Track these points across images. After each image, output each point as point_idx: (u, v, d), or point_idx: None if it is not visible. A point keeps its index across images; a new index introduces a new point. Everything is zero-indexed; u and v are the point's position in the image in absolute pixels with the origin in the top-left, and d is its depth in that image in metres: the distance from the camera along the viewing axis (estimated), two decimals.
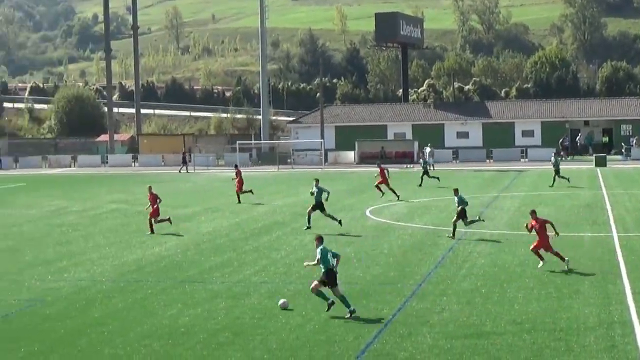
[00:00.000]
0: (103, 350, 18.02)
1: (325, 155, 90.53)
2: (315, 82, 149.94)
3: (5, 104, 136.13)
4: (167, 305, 22.03)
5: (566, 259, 25.41)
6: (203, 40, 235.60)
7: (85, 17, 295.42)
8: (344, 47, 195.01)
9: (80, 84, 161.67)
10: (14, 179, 74.41)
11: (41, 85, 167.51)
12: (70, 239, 34.88)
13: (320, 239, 20.91)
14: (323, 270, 20.46)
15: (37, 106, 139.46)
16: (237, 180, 48.72)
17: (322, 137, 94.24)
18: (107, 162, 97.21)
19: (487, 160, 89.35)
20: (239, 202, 47.95)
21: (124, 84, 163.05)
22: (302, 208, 41.25)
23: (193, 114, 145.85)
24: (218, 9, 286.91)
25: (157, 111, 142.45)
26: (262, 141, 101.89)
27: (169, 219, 37.05)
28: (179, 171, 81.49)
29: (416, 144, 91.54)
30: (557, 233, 26.39)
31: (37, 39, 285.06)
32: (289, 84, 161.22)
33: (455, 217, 32.11)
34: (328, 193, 36.62)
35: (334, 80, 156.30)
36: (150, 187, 37.49)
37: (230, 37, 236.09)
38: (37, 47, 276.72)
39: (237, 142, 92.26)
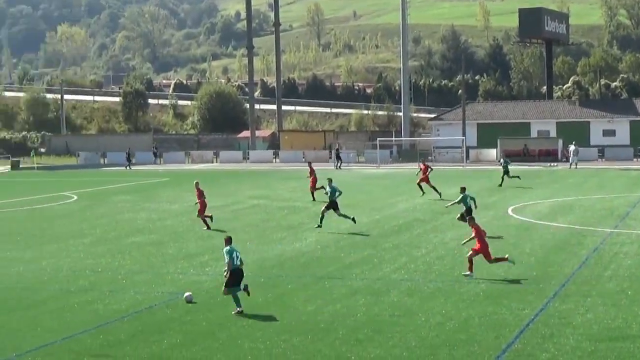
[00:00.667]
0: (243, 344, 18.36)
1: (467, 152, 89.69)
2: (457, 78, 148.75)
3: (150, 101, 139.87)
4: (307, 301, 22.26)
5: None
6: (344, 37, 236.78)
7: (228, 14, 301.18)
8: (487, 44, 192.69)
9: (223, 80, 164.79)
10: (159, 174, 76.55)
11: (185, 82, 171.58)
12: (211, 234, 35.62)
13: (228, 240, 21.85)
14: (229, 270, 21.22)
15: (180, 102, 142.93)
16: (311, 178, 48.74)
17: (464, 134, 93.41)
18: (248, 158, 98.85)
19: (635, 159, 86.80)
20: (314, 199, 47.66)
21: (265, 81, 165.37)
22: (441, 206, 41.01)
23: (334, 110, 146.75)
24: (359, 5, 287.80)
25: (297, 107, 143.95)
26: (402, 138, 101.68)
27: (211, 217, 37.31)
28: (336, 167, 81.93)
29: (560, 141, 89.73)
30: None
31: (181, 36, 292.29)
32: (431, 80, 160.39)
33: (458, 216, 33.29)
34: (340, 193, 36.75)
35: (476, 77, 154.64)
36: (197, 183, 38.50)
37: (371, 33, 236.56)
38: (181, 45, 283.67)
39: (378, 139, 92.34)
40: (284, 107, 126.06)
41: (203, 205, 37.36)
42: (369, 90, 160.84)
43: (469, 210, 31.85)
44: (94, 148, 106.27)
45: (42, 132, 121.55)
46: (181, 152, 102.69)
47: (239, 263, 21.42)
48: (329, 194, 36.58)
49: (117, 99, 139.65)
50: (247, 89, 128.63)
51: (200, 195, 37.51)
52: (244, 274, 21.69)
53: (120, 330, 19.67)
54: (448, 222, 36.99)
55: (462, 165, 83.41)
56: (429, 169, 49.79)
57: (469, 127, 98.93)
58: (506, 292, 22.52)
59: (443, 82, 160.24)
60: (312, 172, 49.19)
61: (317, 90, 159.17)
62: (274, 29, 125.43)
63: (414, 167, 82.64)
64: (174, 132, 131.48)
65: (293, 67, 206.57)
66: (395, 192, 53.42)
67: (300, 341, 18.44)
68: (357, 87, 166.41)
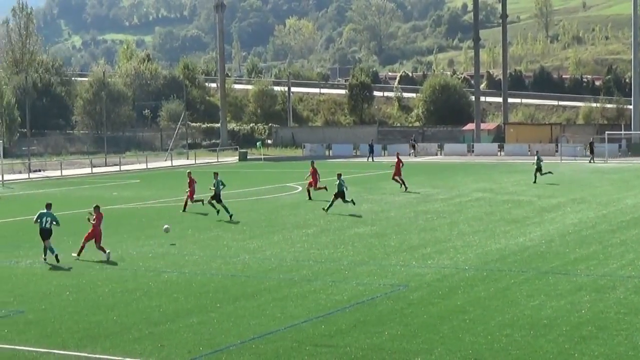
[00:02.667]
0: (464, 337, 18.22)
1: None
2: None
3: (376, 93, 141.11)
4: (530, 296, 21.85)
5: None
6: (573, 29, 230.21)
7: (454, 6, 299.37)
8: None
9: (448, 73, 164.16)
10: (383, 167, 77.12)
11: (410, 75, 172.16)
12: (435, 226, 35.58)
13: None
14: None
15: (405, 95, 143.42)
16: (312, 176, 48.41)
17: None
18: (472, 151, 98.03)
19: None
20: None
21: (491, 73, 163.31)
22: None
23: (561, 103, 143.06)
24: None
25: (524, 100, 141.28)
26: (632, 132, 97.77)
27: (202, 201, 42.01)
28: (589, 161, 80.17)
29: None
30: None
31: (407, 29, 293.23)
32: None
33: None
34: (346, 188, 41.46)
35: None
36: (189, 173, 44.00)
37: (601, 24, 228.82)
38: (407, 37, 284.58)
39: (606, 132, 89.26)
40: (510, 100, 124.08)
41: (192, 193, 43.02)
42: (597, 83, 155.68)
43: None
44: (320, 140, 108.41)
45: (269, 124, 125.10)
46: (405, 144, 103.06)
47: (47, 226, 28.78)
48: (337, 186, 41.07)
49: (342, 91, 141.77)
50: (472, 82, 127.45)
51: (192, 182, 43.07)
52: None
53: (341, 320, 19.97)
54: None
55: None
56: (401, 163, 52.55)
57: None
58: None
59: None
60: (314, 172, 48.75)
61: (544, 83, 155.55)
62: (500, 21, 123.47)
63: None
64: (398, 125, 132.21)
65: (520, 59, 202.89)
66: (624, 187, 51.52)
67: (522, 336, 18.12)
68: (585, 80, 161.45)
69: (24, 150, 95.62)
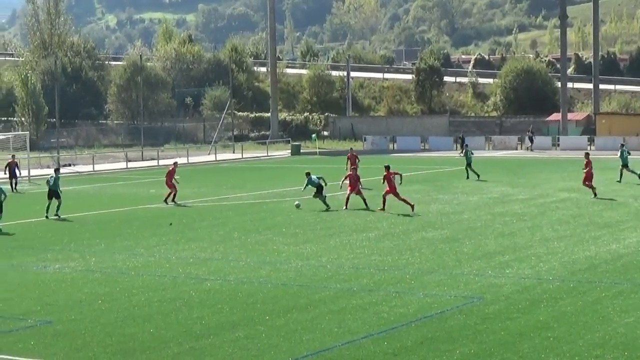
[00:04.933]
0: (548, 357, 18.10)
1: None
2: None
3: (447, 78, 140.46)
4: (624, 312, 21.62)
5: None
6: None
7: None
8: None
9: (531, 55, 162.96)
10: (454, 162, 76.87)
11: (487, 57, 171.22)
12: (514, 231, 35.36)
13: None
14: None
15: (481, 80, 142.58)
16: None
17: None
18: (558, 145, 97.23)
19: None
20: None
21: (580, 56, 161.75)
22: None
23: None
24: None
25: (618, 87, 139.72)
26: None
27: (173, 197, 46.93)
28: None
29: None
30: None
31: (483, 5, 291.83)
32: None
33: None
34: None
35: None
36: (175, 163, 49.27)
37: None
38: (484, 15, 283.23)
39: None
40: (601, 86, 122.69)
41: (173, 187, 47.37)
42: None
43: None
44: (383, 131, 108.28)
45: (326, 113, 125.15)
46: (481, 136, 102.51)
47: None
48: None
49: (409, 76, 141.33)
50: (558, 66, 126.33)
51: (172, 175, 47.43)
52: None
53: (406, 337, 19.94)
54: None
55: None
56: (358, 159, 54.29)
57: None
58: None
59: None
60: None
61: None
62: None
63: None
64: (473, 115, 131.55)
65: (613, 40, 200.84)
66: None
67: (614, 358, 17.96)
68: None
69: (52, 142, 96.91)
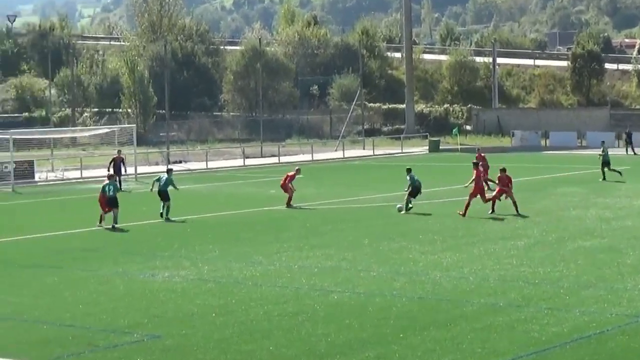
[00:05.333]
0: None
1: None
2: None
3: (608, 65, 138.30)
4: None
5: None
6: None
7: None
8: None
9: None
10: (617, 160, 75.68)
11: None
12: None
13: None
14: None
15: None
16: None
17: None
18: None
19: None
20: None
21: None
22: None
23: None
24: None
25: None
26: None
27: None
28: None
29: None
30: None
31: None
32: None
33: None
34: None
35: None
36: (298, 170, 49.43)
37: None
38: None
39: None
40: None
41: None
42: None
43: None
44: (533, 126, 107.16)
45: (469, 105, 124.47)
46: None
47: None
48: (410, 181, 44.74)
49: (564, 63, 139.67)
50: None
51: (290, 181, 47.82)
52: None
53: (560, 358, 19.71)
54: None
55: None
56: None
57: None
58: None
59: None
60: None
61: None
62: None
63: None
64: (638, 107, 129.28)
65: None
66: None
67: None
68: None
69: (161, 136, 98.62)
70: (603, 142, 63.85)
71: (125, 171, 62.34)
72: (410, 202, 44.32)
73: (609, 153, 59.66)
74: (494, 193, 43.86)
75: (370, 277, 28.94)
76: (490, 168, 51.48)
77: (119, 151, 63.21)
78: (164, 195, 43.87)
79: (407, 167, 46.78)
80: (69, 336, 22.25)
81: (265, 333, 22.32)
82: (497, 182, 43.56)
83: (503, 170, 43.51)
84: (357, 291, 26.88)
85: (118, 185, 45.78)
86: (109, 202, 41.45)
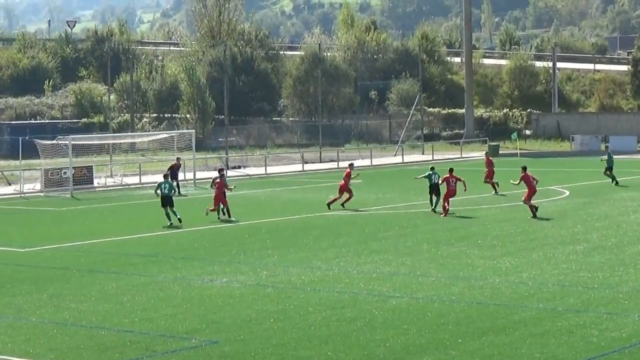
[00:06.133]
0: None
1: None
2: None
3: None
4: None
5: None
6: None
7: None
8: None
9: None
10: None
11: None
12: None
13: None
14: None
15: None
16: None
17: None
18: None
19: None
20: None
21: None
22: None
23: None
24: None
25: None
26: None
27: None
28: None
29: None
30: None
31: None
32: None
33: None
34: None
35: None
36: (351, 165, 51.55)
37: None
38: None
39: None
40: None
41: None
42: None
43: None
44: (593, 130, 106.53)
45: (528, 110, 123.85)
46: None
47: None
48: (427, 178, 47.48)
49: (624, 67, 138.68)
50: None
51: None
52: None
53: None
54: None
55: None
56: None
57: None
58: None
59: None
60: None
61: None
62: None
63: None
64: None
65: None
66: None
67: None
68: None
69: (220, 142, 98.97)
70: (607, 146, 64.61)
71: (184, 177, 62.84)
72: (434, 202, 46.84)
73: (613, 158, 60.80)
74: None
75: (428, 282, 28.91)
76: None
77: (178, 159, 63.63)
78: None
79: (431, 166, 50.58)
80: (127, 342, 22.42)
81: (323, 339, 22.36)
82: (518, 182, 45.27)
83: (524, 168, 45.33)
84: (415, 296, 26.85)
85: (172, 185, 46.60)
86: (165, 201, 44.27)
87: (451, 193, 45.66)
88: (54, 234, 43.30)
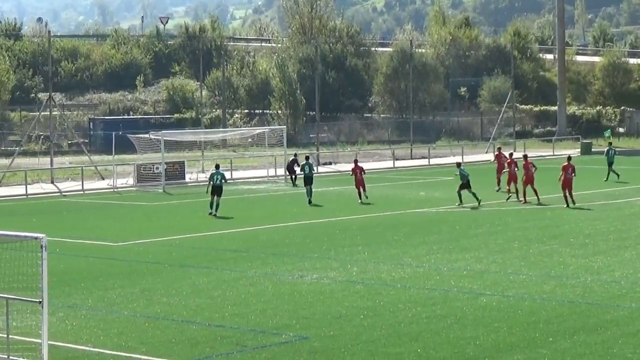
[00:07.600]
0: None
1: None
2: None
3: None
4: None
5: None
6: None
7: None
8: None
9: None
10: None
11: None
12: None
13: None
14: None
15: None
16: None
17: None
18: None
19: None
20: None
21: None
22: None
23: None
24: None
25: None
26: None
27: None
28: None
29: None
30: None
31: None
32: None
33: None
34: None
35: None
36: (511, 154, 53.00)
37: None
38: None
39: None
40: None
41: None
42: None
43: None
44: None
45: (622, 107, 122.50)
46: None
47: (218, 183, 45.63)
48: (459, 176, 49.02)
49: None
50: None
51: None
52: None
53: None
54: None
55: None
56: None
57: None
58: None
59: None
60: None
61: None
62: None
63: None
64: None
65: None
66: None
67: None
68: None
69: (311, 138, 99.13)
70: (610, 143, 68.65)
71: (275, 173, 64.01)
72: (462, 196, 49.14)
73: (614, 155, 63.77)
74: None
75: (519, 280, 28.70)
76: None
77: (295, 154, 67.11)
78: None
79: (457, 161, 52.32)
80: (217, 336, 22.57)
81: (413, 335, 22.30)
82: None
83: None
84: (506, 294, 26.67)
85: (224, 175, 49.23)
86: (215, 190, 46.58)
87: (529, 179, 48.71)
88: (146, 228, 43.73)
